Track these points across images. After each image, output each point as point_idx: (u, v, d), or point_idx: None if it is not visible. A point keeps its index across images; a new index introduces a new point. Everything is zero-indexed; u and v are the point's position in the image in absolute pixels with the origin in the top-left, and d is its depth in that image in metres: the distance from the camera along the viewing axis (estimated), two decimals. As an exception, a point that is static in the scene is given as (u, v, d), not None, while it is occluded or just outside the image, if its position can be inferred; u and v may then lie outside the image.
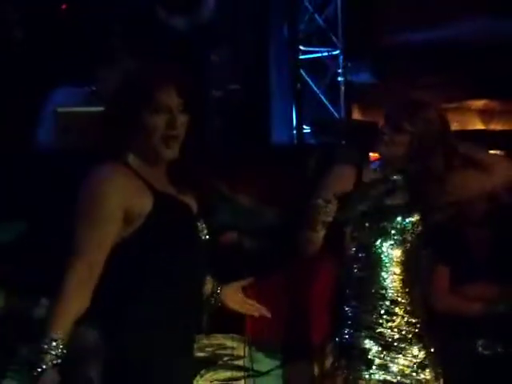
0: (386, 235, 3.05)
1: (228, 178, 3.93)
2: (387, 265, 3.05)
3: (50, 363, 2.22)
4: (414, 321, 3.05)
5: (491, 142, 5.18)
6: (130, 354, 2.33)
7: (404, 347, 3.03)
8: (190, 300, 2.42)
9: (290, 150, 5.34)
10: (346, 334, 3.04)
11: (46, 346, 2.23)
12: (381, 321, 3.03)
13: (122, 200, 2.33)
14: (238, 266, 3.62)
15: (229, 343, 3.71)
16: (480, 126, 7.25)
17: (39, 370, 2.22)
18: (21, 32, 4.96)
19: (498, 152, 4.67)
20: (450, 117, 7.17)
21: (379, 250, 3.05)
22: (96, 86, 4.70)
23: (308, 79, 6.55)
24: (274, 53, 6.46)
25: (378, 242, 3.05)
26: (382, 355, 3.01)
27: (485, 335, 3.61)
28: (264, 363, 3.77)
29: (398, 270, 3.06)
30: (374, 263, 3.06)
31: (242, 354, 3.70)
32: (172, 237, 2.37)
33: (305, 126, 6.41)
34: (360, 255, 3.07)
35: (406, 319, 3.04)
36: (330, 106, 6.55)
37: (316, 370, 3.14)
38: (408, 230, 3.06)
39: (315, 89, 6.56)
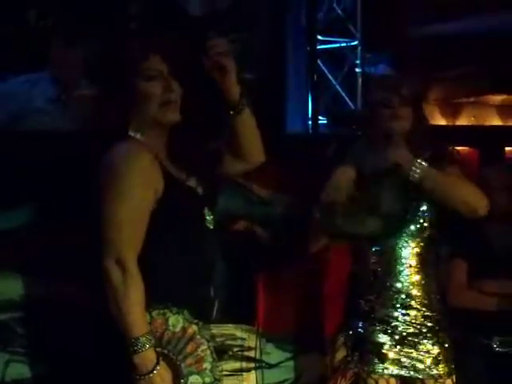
0: None
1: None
2: (402, 257, 3.00)
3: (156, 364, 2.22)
4: (430, 314, 3.00)
5: (509, 139, 5.11)
6: None
7: (418, 342, 2.98)
8: (199, 287, 2.39)
9: (305, 139, 5.28)
10: (360, 328, 2.99)
11: (136, 348, 2.20)
12: (396, 314, 2.98)
13: (152, 179, 2.29)
14: (250, 255, 3.58)
15: (239, 334, 3.68)
16: (497, 122, 7.16)
17: (147, 373, 2.21)
18: None
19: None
20: (467, 111, 7.16)
21: (393, 243, 3.00)
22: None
23: (325, 70, 6.50)
24: (291, 42, 6.40)
25: None
26: (396, 349, 2.97)
27: (501, 332, 3.56)
28: (274, 355, 3.73)
29: (413, 263, 3.01)
30: (389, 256, 3.00)
31: (252, 345, 3.67)
32: (180, 224, 2.33)
33: (320, 117, 6.36)
34: (374, 249, 3.02)
35: (421, 313, 2.99)
36: (346, 97, 6.49)
37: (328, 363, 3.10)
38: (420, 220, 3.00)
39: (332, 79, 6.51)
